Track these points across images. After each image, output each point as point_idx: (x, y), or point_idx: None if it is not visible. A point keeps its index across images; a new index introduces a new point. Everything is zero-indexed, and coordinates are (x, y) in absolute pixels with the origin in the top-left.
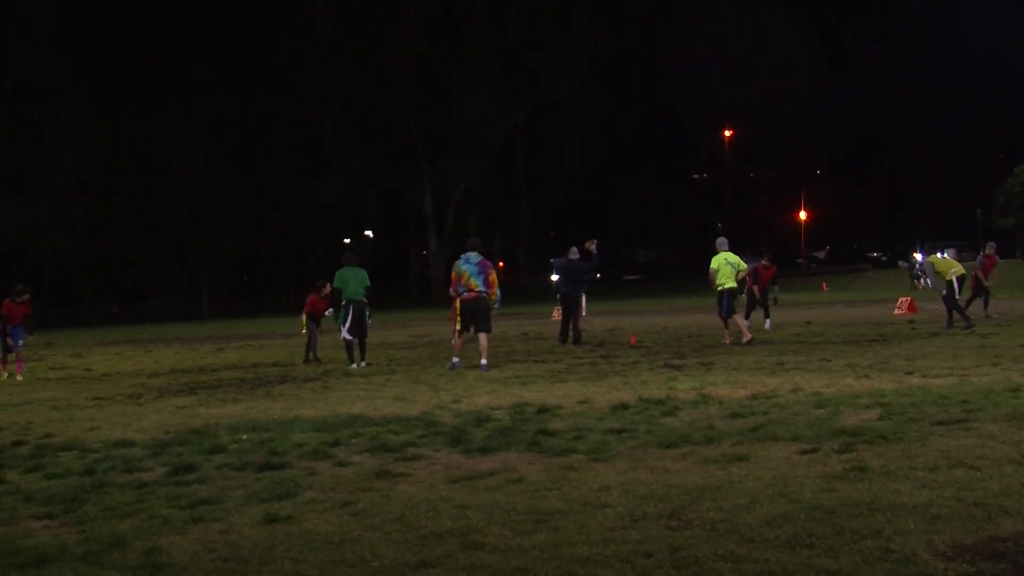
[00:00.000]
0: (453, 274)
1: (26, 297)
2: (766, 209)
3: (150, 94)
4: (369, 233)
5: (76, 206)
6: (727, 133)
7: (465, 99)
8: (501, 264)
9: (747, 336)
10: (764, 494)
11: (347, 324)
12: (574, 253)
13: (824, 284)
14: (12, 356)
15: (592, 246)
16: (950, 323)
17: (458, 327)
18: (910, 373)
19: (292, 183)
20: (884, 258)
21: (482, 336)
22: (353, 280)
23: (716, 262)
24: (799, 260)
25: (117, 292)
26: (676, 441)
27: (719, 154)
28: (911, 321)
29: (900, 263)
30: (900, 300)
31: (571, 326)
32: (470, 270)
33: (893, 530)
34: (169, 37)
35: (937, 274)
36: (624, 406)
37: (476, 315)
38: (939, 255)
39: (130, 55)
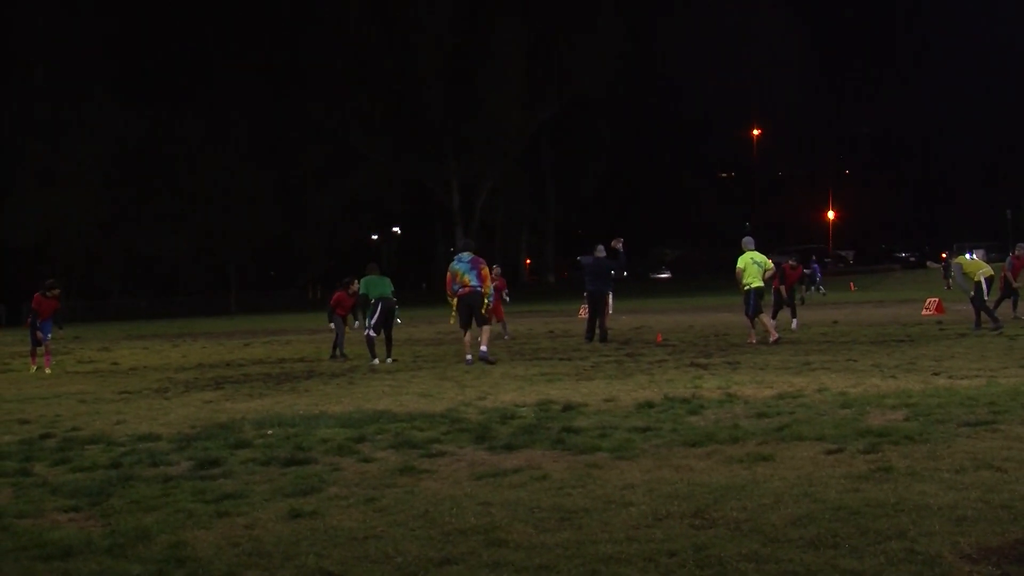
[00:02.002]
0: (448, 275)
1: (56, 291)
2: (794, 208)
3: (178, 88)
4: (396, 229)
5: (104, 200)
6: (755, 132)
7: (493, 95)
8: (528, 261)
9: (774, 336)
10: (789, 494)
11: (373, 319)
12: (600, 251)
13: (852, 284)
14: (41, 350)
15: (619, 244)
16: (978, 324)
17: (458, 323)
18: (937, 374)
19: (319, 178)
20: (912, 258)
21: (484, 328)
22: (379, 284)
23: (743, 261)
24: (827, 259)
25: (145, 286)
26: (701, 440)
27: (747, 153)
28: (939, 322)
29: (930, 263)
30: (928, 300)
31: (597, 324)
32: (463, 268)
33: (918, 531)
34: (198, 31)
35: (965, 275)
36: (649, 404)
37: (474, 309)
38: (967, 256)
39: (158, 49)
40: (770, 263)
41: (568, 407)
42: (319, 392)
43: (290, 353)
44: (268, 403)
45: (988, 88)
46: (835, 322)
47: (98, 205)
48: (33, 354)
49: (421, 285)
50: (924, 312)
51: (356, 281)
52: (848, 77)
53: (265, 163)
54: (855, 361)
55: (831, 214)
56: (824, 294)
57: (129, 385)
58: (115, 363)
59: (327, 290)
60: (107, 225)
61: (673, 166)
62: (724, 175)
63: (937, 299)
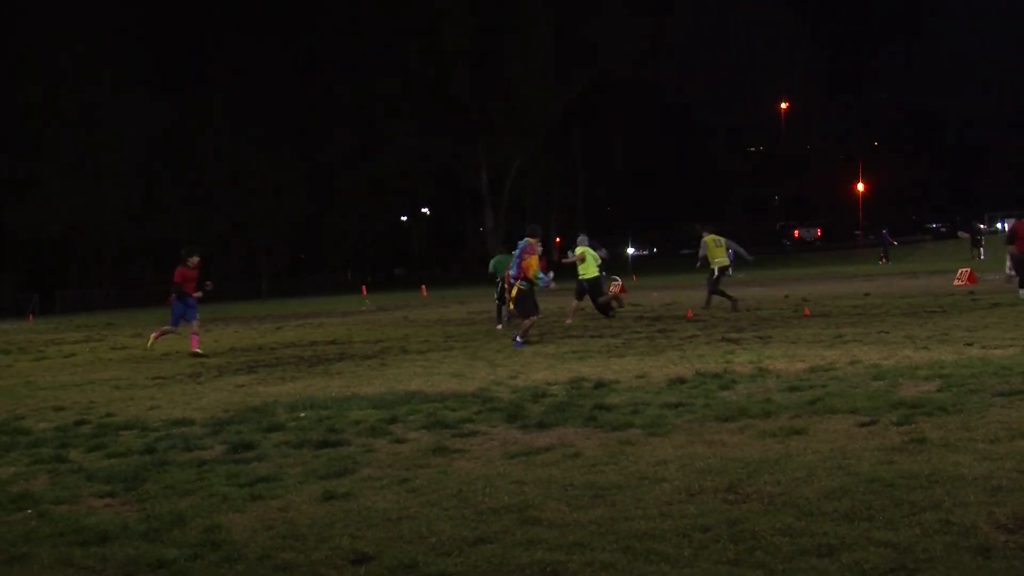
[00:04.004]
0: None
1: (196, 260)
2: (822, 182)
3: (207, 75)
4: (426, 211)
5: (135, 187)
6: (783, 105)
7: (519, 74)
8: (558, 240)
9: (569, 319)
10: (822, 467)
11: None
12: (583, 240)
13: (883, 258)
14: (187, 329)
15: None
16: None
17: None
18: (970, 344)
19: (348, 162)
20: (943, 229)
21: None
22: (504, 261)
23: (581, 249)
24: (857, 232)
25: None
26: (733, 415)
27: (776, 127)
28: (971, 292)
29: (960, 233)
30: (960, 271)
31: (598, 304)
32: (510, 259)
33: (953, 502)
34: (225, 17)
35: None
36: (681, 380)
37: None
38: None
39: (187, 36)
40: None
41: (600, 384)
42: (351, 374)
43: (321, 336)
44: (300, 386)
45: (1020, 54)
46: (867, 294)
47: (129, 192)
48: (164, 332)
49: (452, 266)
50: (956, 283)
51: (196, 255)
52: (879, 46)
53: (293, 148)
54: (887, 333)
55: (860, 186)
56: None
57: (162, 371)
58: (148, 349)
59: (357, 273)
60: (138, 213)
61: (700, 143)
62: (752, 149)
63: (969, 269)
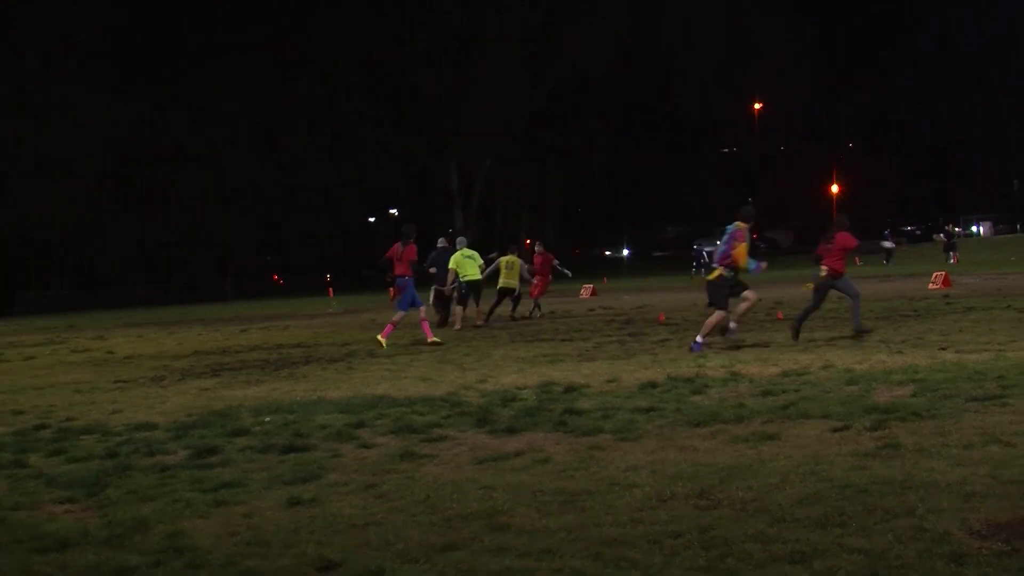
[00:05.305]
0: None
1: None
2: (796, 184)
3: (173, 72)
4: (394, 211)
5: (99, 186)
6: (756, 106)
7: (492, 74)
8: (528, 241)
9: (458, 325)
10: (795, 473)
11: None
12: (442, 242)
13: (857, 258)
14: (417, 315)
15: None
16: None
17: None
18: (944, 348)
19: (317, 161)
20: (918, 232)
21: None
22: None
23: (455, 261)
24: (760, 244)
25: (141, 274)
26: (705, 420)
27: (748, 129)
28: (946, 295)
29: (935, 236)
30: (935, 274)
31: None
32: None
33: (926, 508)
34: (191, 13)
35: None
36: (653, 384)
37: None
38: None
39: (152, 32)
40: (480, 259)
41: (570, 388)
42: (317, 378)
43: (287, 339)
44: (265, 390)
45: (994, 57)
46: (840, 297)
47: (93, 192)
48: (394, 324)
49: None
50: (931, 286)
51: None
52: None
53: (260, 146)
54: (861, 337)
55: (835, 188)
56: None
57: (124, 374)
58: (110, 351)
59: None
60: (102, 212)
61: (674, 143)
62: (725, 150)
63: (944, 272)
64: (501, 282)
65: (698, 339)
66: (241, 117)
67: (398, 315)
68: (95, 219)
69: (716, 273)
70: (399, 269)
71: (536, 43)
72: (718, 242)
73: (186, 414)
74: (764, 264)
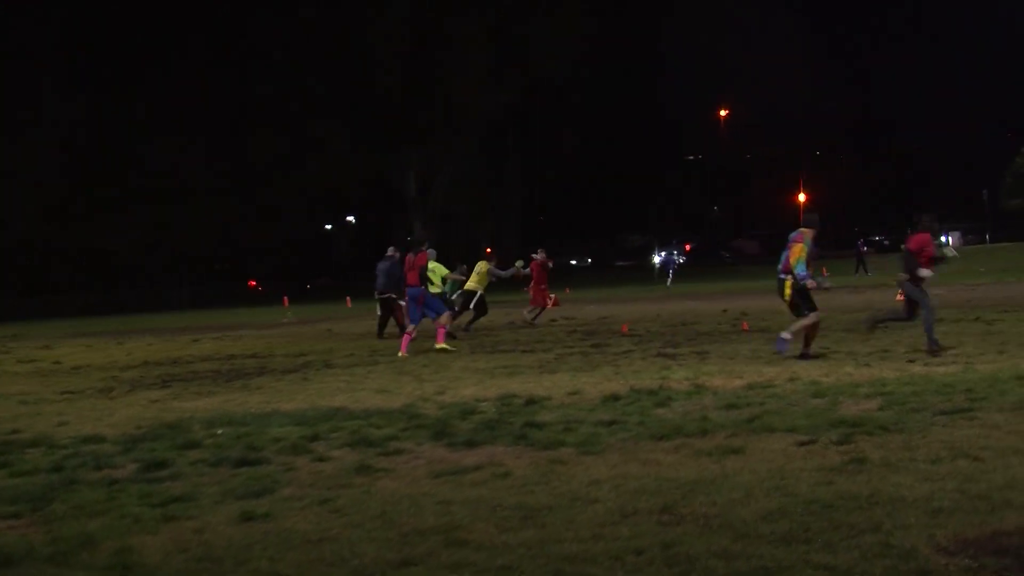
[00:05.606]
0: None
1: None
2: (763, 192)
3: (126, 74)
4: (351, 218)
5: (47, 191)
6: (723, 112)
7: (453, 78)
8: (489, 250)
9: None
10: (760, 488)
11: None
12: (391, 251)
13: (824, 269)
14: (418, 327)
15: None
16: None
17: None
18: (912, 361)
19: (273, 166)
20: (886, 242)
21: None
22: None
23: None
24: (725, 253)
25: (92, 281)
26: (669, 433)
27: (715, 135)
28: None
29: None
30: None
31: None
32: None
33: (893, 524)
34: (146, 15)
35: None
36: (615, 397)
37: None
38: (944, 239)
39: (106, 33)
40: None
41: (531, 401)
42: (271, 389)
43: (241, 349)
44: (218, 401)
45: (964, 65)
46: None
47: (41, 196)
48: (408, 334)
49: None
50: (899, 297)
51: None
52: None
53: (216, 152)
54: (827, 349)
55: (802, 197)
56: (669, 286)
57: (72, 384)
58: (57, 362)
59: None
60: (53, 218)
61: (639, 152)
62: (691, 157)
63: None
64: (469, 285)
65: (784, 337)
66: (195, 120)
67: (445, 316)
68: (43, 224)
69: (788, 284)
70: (410, 279)
71: (498, 44)
72: (674, 252)
73: (135, 426)
74: (819, 283)
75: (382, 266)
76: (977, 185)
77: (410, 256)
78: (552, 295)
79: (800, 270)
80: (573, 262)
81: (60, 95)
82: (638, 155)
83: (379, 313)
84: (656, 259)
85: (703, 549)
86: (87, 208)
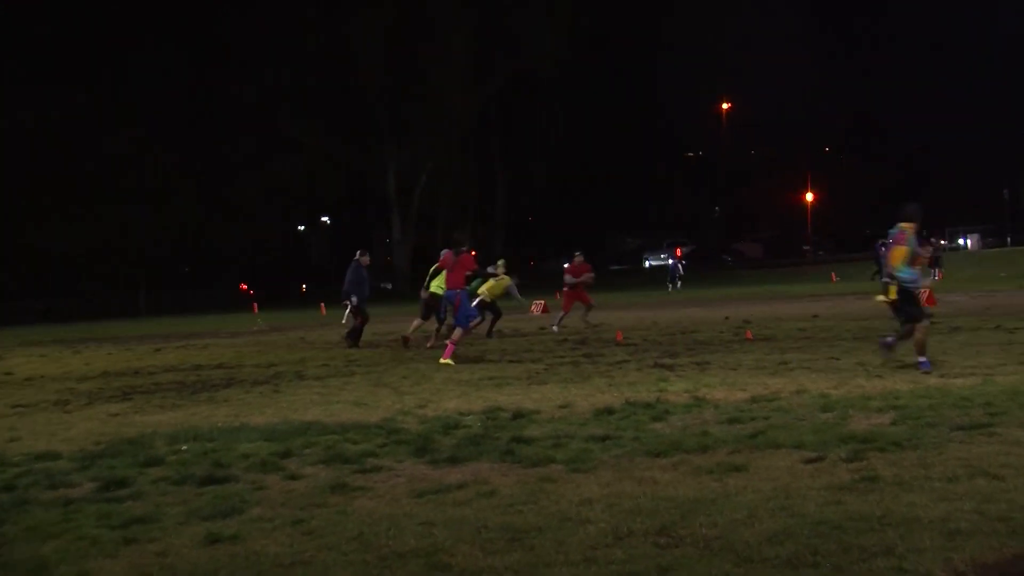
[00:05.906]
0: None
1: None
2: (767, 192)
3: (81, 68)
4: (326, 219)
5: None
6: (725, 106)
7: (434, 72)
8: (474, 253)
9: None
10: (764, 508)
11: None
12: (360, 255)
13: (833, 274)
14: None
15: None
16: None
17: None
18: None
19: (244, 165)
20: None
21: None
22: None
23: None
24: (805, 248)
25: (44, 287)
26: (666, 449)
27: (715, 134)
28: (930, 315)
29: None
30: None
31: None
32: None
33: (907, 547)
34: (104, 5)
35: None
36: (609, 410)
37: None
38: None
39: (59, 25)
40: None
41: (518, 415)
42: (240, 402)
43: (207, 359)
44: (182, 415)
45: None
46: (815, 316)
47: None
48: (454, 343)
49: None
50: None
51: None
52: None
53: (180, 148)
54: (837, 359)
55: (809, 196)
56: (671, 291)
57: (24, 397)
58: (8, 373)
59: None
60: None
61: (634, 150)
62: (691, 155)
63: (927, 289)
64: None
65: (921, 359)
66: (158, 117)
67: (457, 332)
68: None
69: (893, 289)
70: (451, 281)
71: (480, 38)
72: (663, 255)
73: (93, 442)
74: (927, 286)
75: (355, 272)
76: (998, 184)
77: (449, 256)
78: (541, 301)
79: (906, 274)
80: (566, 266)
81: (7, 90)
82: (633, 154)
83: (343, 321)
84: (647, 264)
85: (703, 573)
86: (36, 209)
